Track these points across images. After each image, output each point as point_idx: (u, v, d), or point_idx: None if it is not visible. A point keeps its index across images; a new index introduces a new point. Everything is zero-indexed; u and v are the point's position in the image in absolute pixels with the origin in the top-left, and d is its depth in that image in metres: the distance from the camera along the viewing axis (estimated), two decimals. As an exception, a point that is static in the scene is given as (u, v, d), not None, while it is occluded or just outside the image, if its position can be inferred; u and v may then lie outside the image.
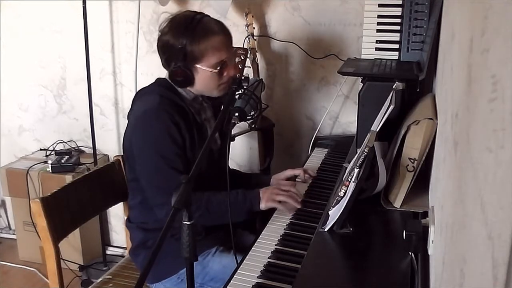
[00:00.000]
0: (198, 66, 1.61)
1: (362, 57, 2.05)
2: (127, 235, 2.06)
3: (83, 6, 2.49)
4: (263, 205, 1.64)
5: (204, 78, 1.63)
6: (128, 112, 1.72)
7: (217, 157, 1.74)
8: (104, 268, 2.75)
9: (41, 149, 2.99)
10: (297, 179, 1.91)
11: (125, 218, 2.05)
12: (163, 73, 1.75)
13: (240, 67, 1.70)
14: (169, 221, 1.02)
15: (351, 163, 1.50)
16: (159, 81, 1.72)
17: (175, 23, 1.62)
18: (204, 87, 1.67)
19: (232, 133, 2.00)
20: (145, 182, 1.65)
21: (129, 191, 1.80)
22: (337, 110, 2.47)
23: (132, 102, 1.73)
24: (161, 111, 1.58)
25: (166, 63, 1.66)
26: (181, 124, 1.60)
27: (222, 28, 1.65)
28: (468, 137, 0.70)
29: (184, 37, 1.57)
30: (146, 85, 1.75)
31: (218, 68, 1.62)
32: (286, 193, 1.64)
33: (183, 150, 1.62)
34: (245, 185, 1.77)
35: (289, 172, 1.90)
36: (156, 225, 1.69)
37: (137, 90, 1.76)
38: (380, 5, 1.99)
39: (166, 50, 1.63)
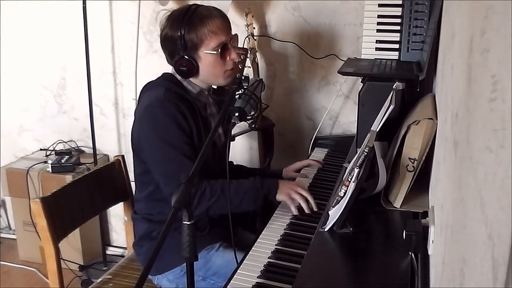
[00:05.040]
0: (199, 52, 1.63)
1: (362, 57, 2.05)
2: (127, 235, 2.06)
3: (83, 6, 2.49)
4: (279, 197, 1.65)
5: (208, 64, 1.65)
6: (136, 108, 1.73)
7: (220, 154, 1.75)
8: (104, 268, 2.75)
9: (41, 149, 2.99)
10: (303, 170, 1.98)
11: (125, 218, 2.05)
12: (163, 72, 1.76)
13: (240, 67, 1.71)
14: (169, 220, 1.02)
15: (351, 163, 1.50)
16: (165, 75, 1.75)
17: (172, 17, 1.66)
18: (210, 75, 1.68)
19: (232, 133, 2.01)
20: (157, 173, 1.66)
21: (136, 185, 1.82)
22: (337, 110, 2.47)
23: (139, 96, 1.75)
24: (167, 102, 1.61)
25: (170, 57, 1.69)
26: (188, 115, 1.62)
27: (218, 12, 1.68)
28: (468, 137, 0.70)
29: (182, 26, 1.61)
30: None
31: (219, 50, 1.64)
32: (304, 196, 1.64)
33: (191, 138, 1.64)
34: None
35: (298, 165, 1.99)
36: (161, 217, 1.72)
37: (144, 84, 1.77)
38: (380, 5, 1.99)
39: (167, 43, 1.66)
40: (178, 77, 1.70)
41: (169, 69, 1.74)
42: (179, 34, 1.61)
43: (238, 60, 1.65)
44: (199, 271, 1.65)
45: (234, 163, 2.00)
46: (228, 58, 1.67)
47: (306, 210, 1.63)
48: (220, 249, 1.71)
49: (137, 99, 1.77)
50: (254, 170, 2.07)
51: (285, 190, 1.65)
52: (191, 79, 1.69)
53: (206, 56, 1.64)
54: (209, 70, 1.67)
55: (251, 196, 1.63)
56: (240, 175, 1.86)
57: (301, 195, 1.64)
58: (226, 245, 1.73)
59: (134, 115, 1.73)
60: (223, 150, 1.75)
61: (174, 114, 1.60)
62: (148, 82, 1.75)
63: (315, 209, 1.64)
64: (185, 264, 1.64)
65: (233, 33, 1.72)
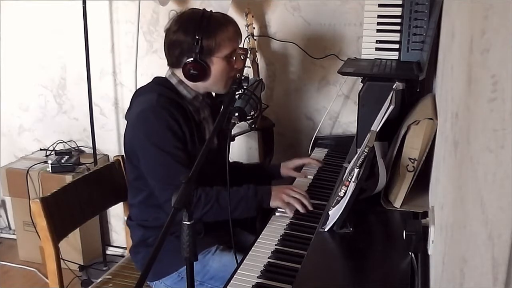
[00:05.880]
0: (212, 58, 1.65)
1: (362, 57, 2.05)
2: (127, 235, 2.06)
3: (83, 6, 2.49)
4: (273, 203, 1.65)
5: (218, 70, 1.66)
6: (126, 112, 1.73)
7: (215, 155, 1.75)
8: (104, 268, 2.75)
9: (41, 149, 2.99)
10: (304, 169, 1.99)
11: (125, 218, 2.05)
12: (163, 73, 1.76)
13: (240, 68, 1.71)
14: (169, 221, 1.02)
15: (351, 163, 1.50)
16: (157, 80, 1.74)
17: (184, 21, 1.66)
18: (216, 80, 1.69)
19: (232, 133, 2.01)
20: (152, 180, 1.65)
21: (129, 190, 1.81)
22: (337, 110, 2.47)
23: (131, 101, 1.74)
24: (160, 108, 1.60)
25: (176, 60, 1.67)
26: (181, 121, 1.62)
27: (232, 19, 1.71)
28: (468, 137, 0.70)
29: (198, 32, 1.61)
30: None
31: (233, 58, 1.67)
32: (298, 198, 1.64)
33: (184, 143, 1.63)
34: (251, 177, 1.82)
35: (297, 162, 1.99)
36: (156, 223, 1.71)
37: (136, 90, 1.77)
38: (380, 5, 1.99)
39: (177, 47, 1.66)
40: (173, 81, 1.70)
41: (164, 72, 1.74)
42: (196, 38, 1.61)
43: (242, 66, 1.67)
44: (197, 276, 1.63)
45: (231, 161, 2.00)
46: (235, 66, 1.69)
47: (301, 211, 1.63)
48: (216, 252, 1.71)
49: (129, 104, 1.76)
50: (253, 166, 2.08)
51: (278, 196, 1.64)
52: (190, 84, 1.69)
53: (219, 62, 1.65)
54: (218, 75, 1.67)
55: (245, 204, 1.63)
56: (239, 173, 1.86)
57: (295, 198, 1.64)
58: (222, 248, 1.72)
59: (126, 119, 1.72)
60: (217, 153, 1.74)
61: (167, 120, 1.59)
62: (140, 87, 1.75)
63: (310, 208, 1.64)
64: (182, 269, 1.65)
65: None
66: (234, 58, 1.68)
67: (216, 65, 1.65)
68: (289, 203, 1.64)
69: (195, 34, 1.61)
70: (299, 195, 1.64)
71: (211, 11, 1.70)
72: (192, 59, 1.63)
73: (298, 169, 1.98)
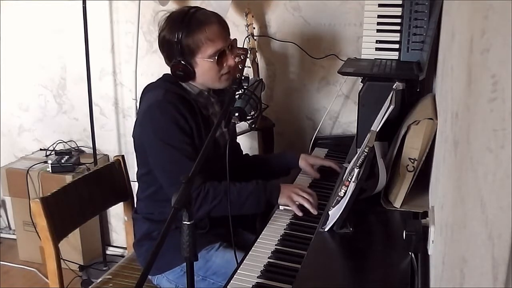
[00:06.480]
0: (196, 58, 1.64)
1: (362, 57, 2.04)
2: (127, 235, 2.06)
3: (83, 6, 2.49)
4: (281, 200, 1.65)
5: (204, 70, 1.66)
6: (137, 110, 1.74)
7: (224, 152, 1.75)
8: (104, 268, 2.75)
9: (41, 149, 2.99)
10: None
11: (125, 218, 2.05)
12: (163, 73, 1.77)
13: (240, 67, 1.71)
14: (169, 221, 1.02)
15: (351, 163, 1.50)
16: (165, 76, 1.76)
17: (171, 19, 1.66)
18: (206, 79, 1.69)
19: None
20: (160, 175, 1.67)
21: (139, 185, 1.83)
22: (337, 110, 2.47)
23: (140, 98, 1.76)
24: (166, 104, 1.61)
25: (167, 59, 1.69)
26: (187, 115, 1.63)
27: (216, 18, 1.68)
28: (468, 137, 0.70)
29: (180, 31, 1.61)
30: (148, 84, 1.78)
31: (216, 58, 1.64)
32: (306, 197, 1.64)
33: (192, 138, 1.64)
34: (271, 168, 1.87)
35: (319, 161, 1.96)
36: (162, 217, 1.72)
37: (145, 86, 1.77)
38: (380, 5, 1.99)
39: (165, 46, 1.67)
40: None
41: (169, 69, 1.75)
42: (176, 38, 1.61)
43: (238, 60, 1.65)
44: (199, 271, 1.65)
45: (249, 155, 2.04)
46: (224, 64, 1.68)
47: (310, 209, 1.62)
48: (220, 248, 1.71)
49: (138, 100, 1.78)
50: (271, 157, 2.09)
51: (287, 193, 1.65)
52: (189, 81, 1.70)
53: (203, 63, 1.64)
54: (205, 75, 1.67)
55: (253, 199, 1.63)
56: (258, 167, 1.92)
57: (303, 197, 1.64)
58: (226, 245, 1.73)
59: (136, 117, 1.74)
60: (225, 149, 1.74)
61: (174, 115, 1.60)
62: (149, 84, 1.76)
63: (316, 209, 1.63)
64: (185, 263, 1.65)
65: (232, 37, 1.72)
66: (218, 57, 1.64)
67: (201, 66, 1.65)
68: (296, 202, 1.64)
69: (177, 33, 1.61)
70: (308, 195, 1.64)
71: (197, 8, 1.67)
72: (176, 59, 1.63)
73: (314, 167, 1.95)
